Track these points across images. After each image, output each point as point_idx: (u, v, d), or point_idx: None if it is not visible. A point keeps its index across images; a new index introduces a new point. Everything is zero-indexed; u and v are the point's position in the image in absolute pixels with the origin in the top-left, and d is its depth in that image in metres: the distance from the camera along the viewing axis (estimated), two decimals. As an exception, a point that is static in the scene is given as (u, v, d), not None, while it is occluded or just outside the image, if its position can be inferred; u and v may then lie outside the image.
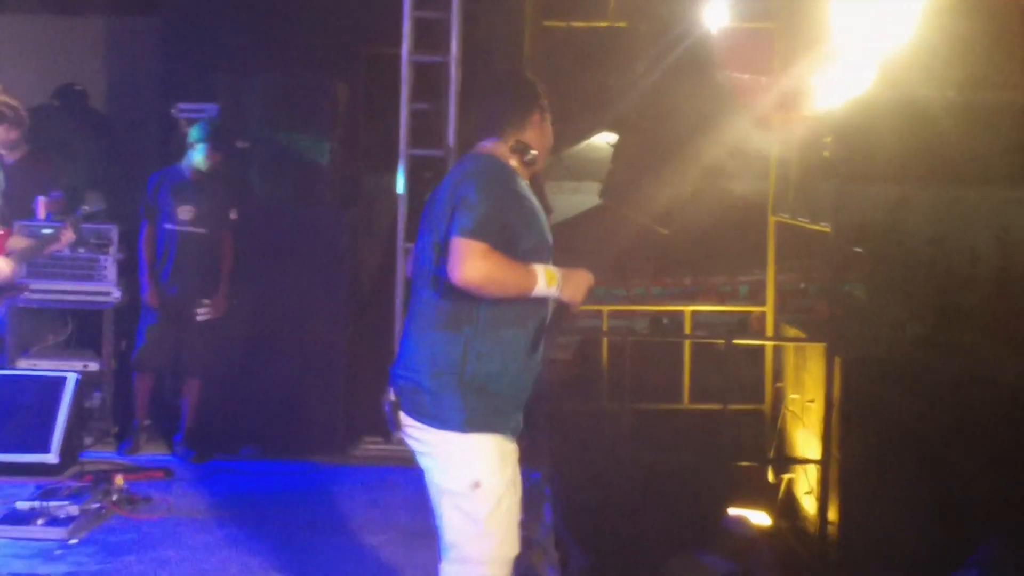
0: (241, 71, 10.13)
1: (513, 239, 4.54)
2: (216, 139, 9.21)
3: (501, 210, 4.56)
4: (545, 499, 7.79)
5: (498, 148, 4.83)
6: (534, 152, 4.82)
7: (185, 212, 9.22)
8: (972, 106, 24.56)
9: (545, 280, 4.51)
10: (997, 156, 25.66)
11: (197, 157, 9.20)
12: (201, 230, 9.27)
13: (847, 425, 12.06)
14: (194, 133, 9.26)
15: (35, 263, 9.04)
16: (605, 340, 14.14)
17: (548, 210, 4.97)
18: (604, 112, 13.21)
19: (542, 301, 4.68)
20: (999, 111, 25.50)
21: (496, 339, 4.65)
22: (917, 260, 22.08)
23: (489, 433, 4.66)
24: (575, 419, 13.00)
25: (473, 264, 4.38)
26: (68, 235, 8.18)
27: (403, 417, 4.72)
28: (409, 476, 5.17)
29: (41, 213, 9.40)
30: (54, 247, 8.30)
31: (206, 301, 9.27)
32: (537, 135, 4.87)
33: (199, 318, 9.25)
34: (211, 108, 10.13)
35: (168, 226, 9.23)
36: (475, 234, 4.42)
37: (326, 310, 9.57)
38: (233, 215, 9.41)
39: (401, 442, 4.95)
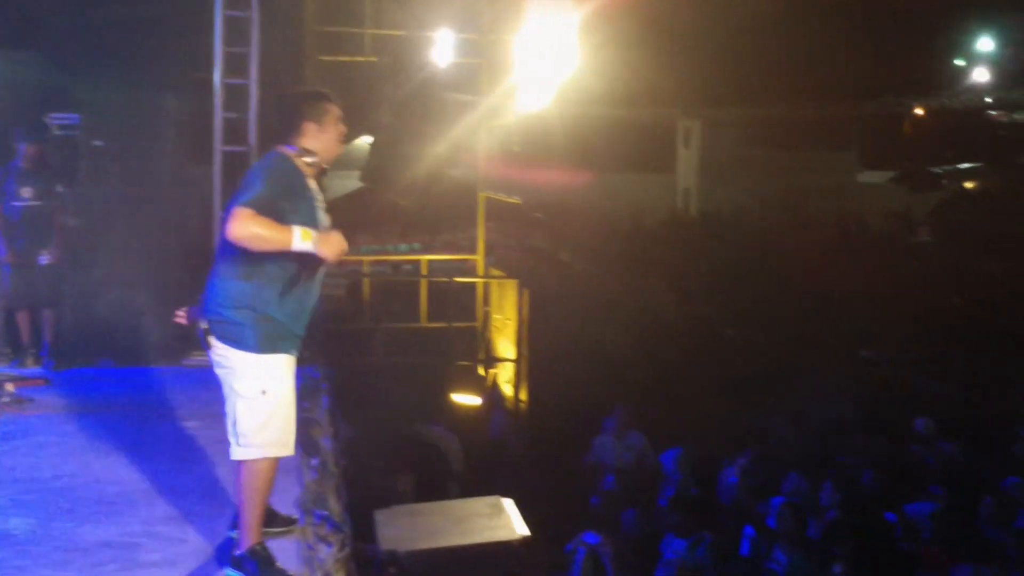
0: (99, 89, 9.78)
1: (280, 215, 4.45)
2: (29, 138, 8.97)
3: (273, 194, 4.48)
4: (323, 391, 7.73)
5: (288, 151, 4.73)
6: (315, 157, 4.71)
7: (25, 191, 8.95)
8: (618, 117, 25.23)
9: (301, 237, 4.41)
10: (631, 152, 26.45)
11: (23, 152, 8.94)
12: (38, 202, 9.00)
13: (531, 335, 12.30)
14: (17, 136, 8.99)
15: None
16: (366, 280, 14.13)
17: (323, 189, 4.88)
18: (365, 121, 13.13)
19: (312, 260, 4.60)
20: (634, 121, 26.24)
21: (278, 287, 4.63)
22: (581, 222, 22.65)
23: (275, 353, 4.66)
24: (346, 334, 12.95)
25: (242, 224, 4.34)
26: None
27: (212, 340, 4.67)
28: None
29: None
30: None
31: (45, 251, 8.99)
32: (316, 141, 4.73)
33: (41, 262, 8.97)
34: (74, 117, 9.85)
35: (14, 203, 8.92)
36: (247, 204, 4.38)
37: (163, 259, 9.34)
38: (60, 188, 9.18)
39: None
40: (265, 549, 4.69)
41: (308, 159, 4.70)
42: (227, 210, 4.56)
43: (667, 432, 10.33)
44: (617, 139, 25.66)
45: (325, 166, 4.82)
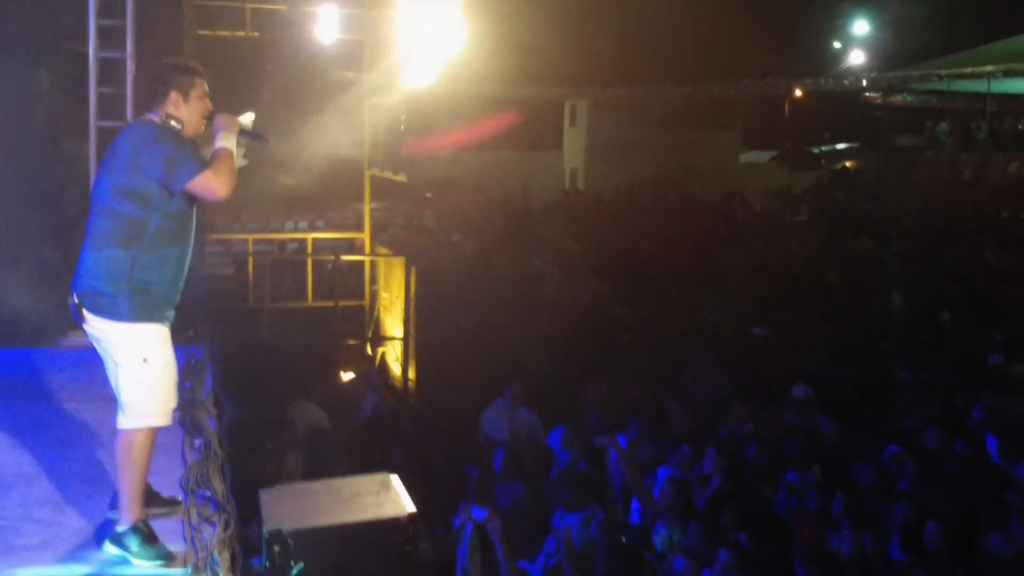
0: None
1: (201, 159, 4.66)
2: None
3: (183, 146, 4.64)
4: (206, 370, 7.61)
5: (154, 118, 4.77)
6: (180, 126, 4.77)
7: None
8: (505, 96, 25.28)
9: (232, 141, 4.71)
10: (520, 131, 26.54)
11: None
12: None
13: (419, 313, 12.29)
14: None
15: None
16: (251, 259, 13.92)
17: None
18: (248, 97, 12.92)
19: (188, 228, 4.76)
20: (522, 99, 26.33)
21: (155, 255, 4.66)
22: (468, 199, 22.65)
23: (151, 323, 4.67)
24: (231, 314, 12.78)
25: (217, 183, 4.58)
26: None
27: (86, 314, 4.65)
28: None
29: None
30: None
31: None
32: (180, 112, 4.79)
33: None
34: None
35: None
36: (195, 171, 4.55)
37: (39, 234, 9.06)
38: None
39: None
40: (147, 526, 4.66)
41: (173, 124, 4.74)
42: (99, 182, 4.69)
43: (556, 408, 10.43)
44: (505, 117, 25.75)
45: (193, 138, 4.85)
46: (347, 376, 12.45)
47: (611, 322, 13.67)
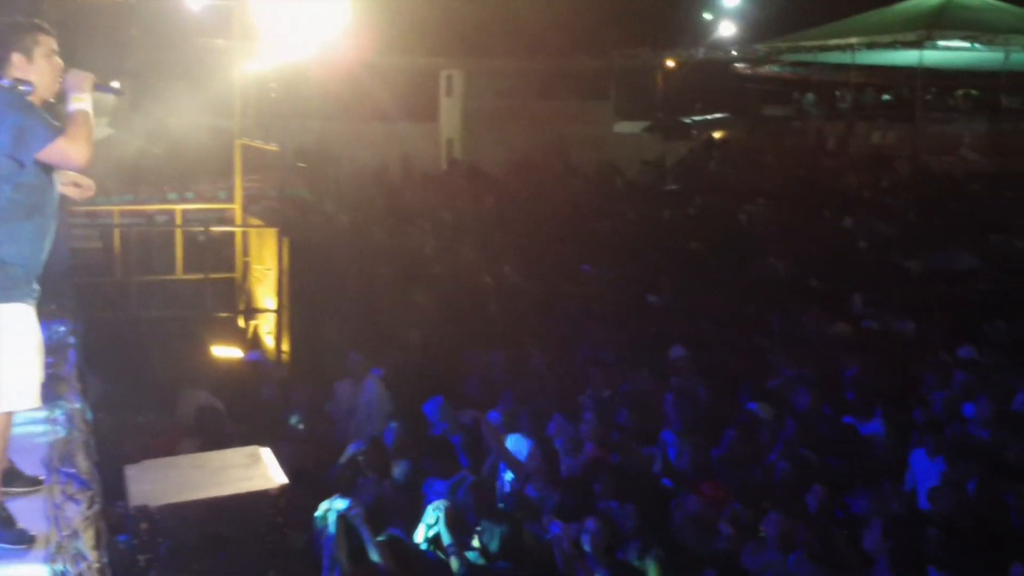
0: None
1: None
2: None
3: (32, 113, 4.37)
4: (70, 345, 7.42)
5: (3, 84, 4.45)
6: (31, 88, 4.47)
7: None
8: (379, 65, 25.02)
9: (87, 102, 4.44)
10: (399, 100, 26.31)
11: None
12: None
13: (293, 285, 12.15)
14: None
15: None
16: (117, 232, 13.55)
17: None
18: (113, 64, 12.55)
19: (46, 200, 4.51)
20: (397, 69, 26.08)
21: (12, 229, 4.42)
22: (342, 170, 22.43)
23: (11, 302, 4.44)
24: (97, 288, 12.46)
25: (72, 150, 4.32)
26: None
27: None
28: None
29: None
30: None
31: None
32: (27, 74, 4.48)
33: None
34: None
35: None
36: (47, 140, 4.29)
37: None
38: None
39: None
40: (3, 509, 4.50)
41: (23, 88, 4.47)
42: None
43: (431, 379, 10.44)
44: (380, 87, 25.49)
45: (50, 99, 4.60)
46: (220, 351, 12.25)
47: (487, 292, 13.72)
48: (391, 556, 6.50)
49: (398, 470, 8.02)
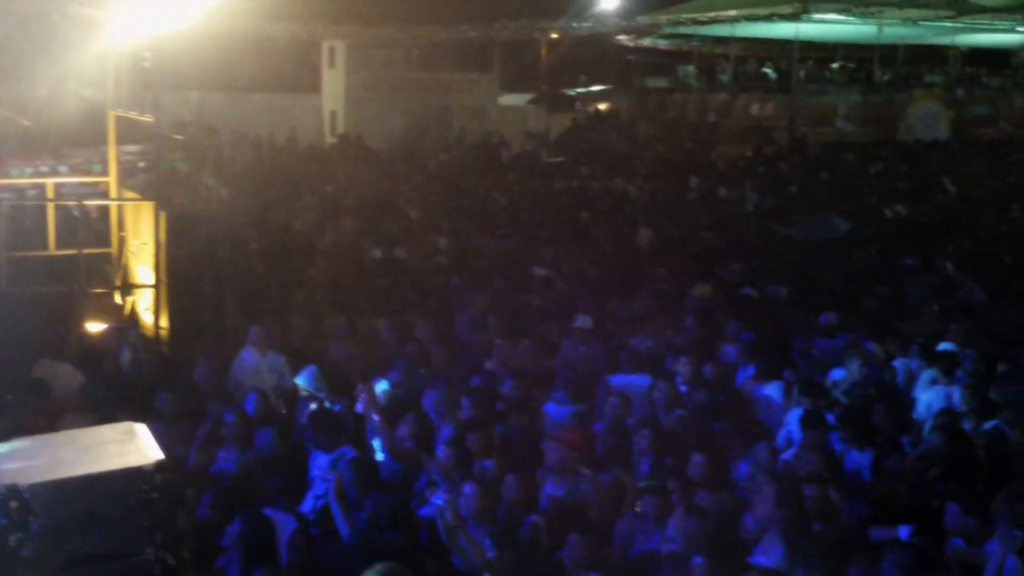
0: None
1: None
2: None
3: None
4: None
5: None
6: None
7: None
8: (260, 35, 24.61)
9: None
10: (281, 71, 25.94)
11: None
12: None
13: (171, 260, 11.88)
14: None
15: None
16: (-16, 207, 13.04)
17: None
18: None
19: None
20: (278, 38, 25.67)
21: None
22: (223, 143, 22.04)
23: None
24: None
25: None
26: None
27: None
28: None
29: None
30: None
31: None
32: None
33: None
34: None
35: None
36: None
37: None
38: None
39: None
40: None
41: None
42: None
43: (312, 350, 10.36)
44: (260, 58, 25.11)
45: None
46: (95, 327, 11.93)
47: (372, 264, 13.67)
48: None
49: (260, 440, 7.97)
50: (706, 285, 12.28)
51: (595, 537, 6.39)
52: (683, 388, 9.03)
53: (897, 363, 9.67)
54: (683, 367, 9.25)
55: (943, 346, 9.83)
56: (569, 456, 7.33)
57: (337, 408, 8.47)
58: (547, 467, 7.44)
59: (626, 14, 30.40)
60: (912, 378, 9.36)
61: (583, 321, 10.41)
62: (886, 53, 34.25)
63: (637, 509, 6.88)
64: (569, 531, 6.37)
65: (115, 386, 9.42)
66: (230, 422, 8.02)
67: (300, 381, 9.09)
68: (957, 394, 8.72)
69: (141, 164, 16.71)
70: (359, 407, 8.11)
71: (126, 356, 10.32)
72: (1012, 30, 33.41)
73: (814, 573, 5.83)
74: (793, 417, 8.36)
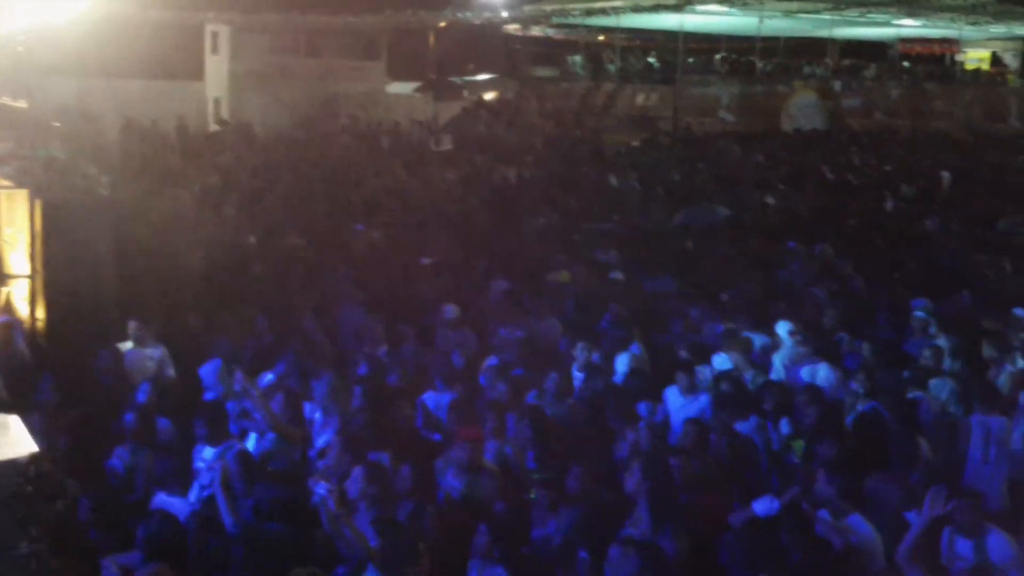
0: None
1: None
2: None
3: None
4: None
5: None
6: None
7: None
8: (140, 19, 24.06)
9: None
10: (163, 57, 25.41)
11: None
12: None
13: (46, 249, 11.57)
14: None
15: None
16: None
17: None
18: None
19: None
20: (159, 23, 25.15)
21: None
22: (102, 130, 21.52)
23: None
24: None
25: None
26: None
27: None
28: None
29: None
30: None
31: None
32: None
33: None
34: None
35: None
36: None
37: None
38: None
39: None
40: None
41: None
42: None
43: (198, 341, 10.19)
44: (141, 43, 24.57)
45: None
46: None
47: (253, 254, 13.48)
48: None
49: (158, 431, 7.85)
50: (565, 271, 12.45)
51: (495, 527, 6.42)
52: (579, 375, 9.12)
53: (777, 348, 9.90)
54: (579, 353, 9.31)
55: (820, 330, 10.13)
56: (470, 447, 7.31)
57: (230, 405, 8.35)
58: (447, 458, 7.43)
59: (513, 3, 30.55)
60: (792, 361, 9.58)
61: (450, 312, 10.45)
62: (767, 45, 35.07)
63: (532, 497, 6.95)
64: (464, 522, 6.41)
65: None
66: (128, 420, 7.84)
67: (203, 372, 8.96)
68: (833, 376, 9.01)
69: (15, 151, 16.24)
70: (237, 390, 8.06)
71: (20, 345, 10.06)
72: (887, 23, 34.51)
73: (677, 542, 5.96)
74: (673, 392, 8.56)
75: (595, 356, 9.43)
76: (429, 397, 8.73)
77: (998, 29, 36.76)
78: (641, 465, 6.71)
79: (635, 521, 6.26)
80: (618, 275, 12.36)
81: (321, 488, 6.50)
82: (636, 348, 9.66)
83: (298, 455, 7.74)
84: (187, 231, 14.10)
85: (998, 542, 5.70)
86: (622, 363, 9.46)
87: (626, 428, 7.86)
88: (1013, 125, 36.10)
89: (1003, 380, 8.93)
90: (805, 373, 9.14)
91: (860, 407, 8.33)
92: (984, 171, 24.04)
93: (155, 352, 9.72)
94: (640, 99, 31.16)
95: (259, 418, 7.76)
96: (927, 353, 9.22)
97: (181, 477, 7.35)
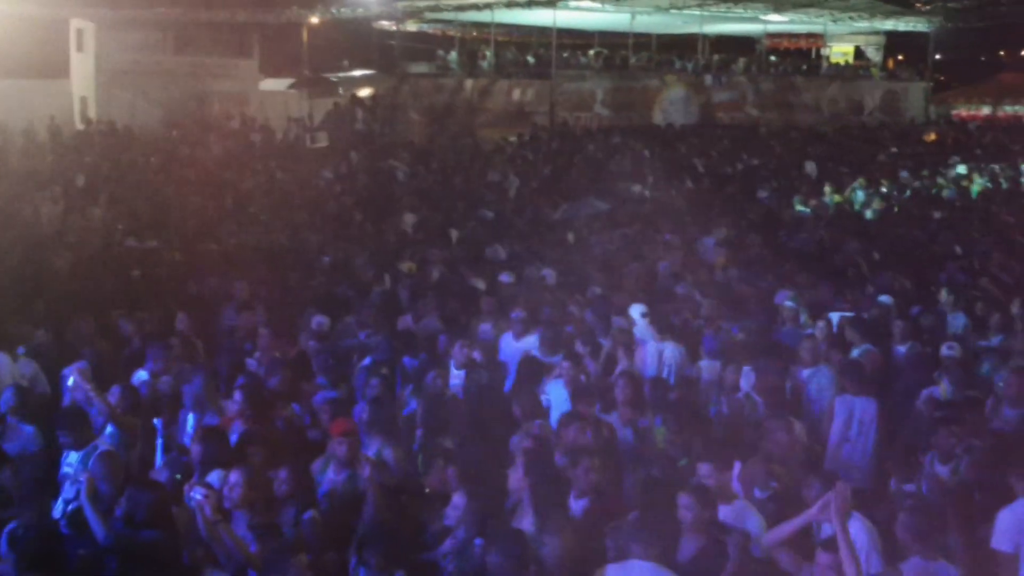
0: None
1: None
2: None
3: None
4: None
5: None
6: None
7: None
8: (3, 14, 23.18)
9: None
10: (24, 54, 24.57)
11: None
12: None
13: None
14: None
15: None
16: None
17: None
18: None
19: None
20: (19, 18, 24.30)
21: None
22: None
23: None
24: None
25: None
26: None
27: None
28: None
29: None
30: None
31: None
32: None
33: None
34: None
35: None
36: None
37: None
38: None
39: None
40: None
41: None
42: None
43: (69, 344, 9.88)
44: (3, 40, 23.70)
45: None
46: None
47: (126, 255, 13.12)
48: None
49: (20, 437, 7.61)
50: (412, 262, 12.45)
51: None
52: (458, 372, 9.09)
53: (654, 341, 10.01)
54: (458, 351, 9.27)
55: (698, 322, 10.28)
56: (349, 446, 7.21)
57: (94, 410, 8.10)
58: (327, 458, 7.33)
59: (387, -1, 30.35)
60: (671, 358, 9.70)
61: (317, 323, 10.23)
62: (640, 41, 35.51)
63: (427, 491, 6.93)
64: (347, 522, 6.33)
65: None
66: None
67: (64, 376, 8.65)
68: (678, 352, 9.25)
69: None
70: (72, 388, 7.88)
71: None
72: (755, 19, 35.27)
73: (563, 541, 5.98)
74: (556, 385, 8.60)
75: (476, 353, 9.43)
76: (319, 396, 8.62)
77: (862, 24, 37.89)
78: (523, 464, 6.73)
79: (519, 519, 6.30)
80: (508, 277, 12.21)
81: (197, 493, 6.33)
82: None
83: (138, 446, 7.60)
84: (53, 235, 13.67)
85: (856, 526, 5.82)
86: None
87: (508, 424, 7.91)
88: (876, 117, 37.33)
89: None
90: (650, 349, 9.30)
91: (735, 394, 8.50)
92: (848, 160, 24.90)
93: (26, 366, 9.34)
94: (516, 94, 31.28)
95: (95, 410, 7.62)
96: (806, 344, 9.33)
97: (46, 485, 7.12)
